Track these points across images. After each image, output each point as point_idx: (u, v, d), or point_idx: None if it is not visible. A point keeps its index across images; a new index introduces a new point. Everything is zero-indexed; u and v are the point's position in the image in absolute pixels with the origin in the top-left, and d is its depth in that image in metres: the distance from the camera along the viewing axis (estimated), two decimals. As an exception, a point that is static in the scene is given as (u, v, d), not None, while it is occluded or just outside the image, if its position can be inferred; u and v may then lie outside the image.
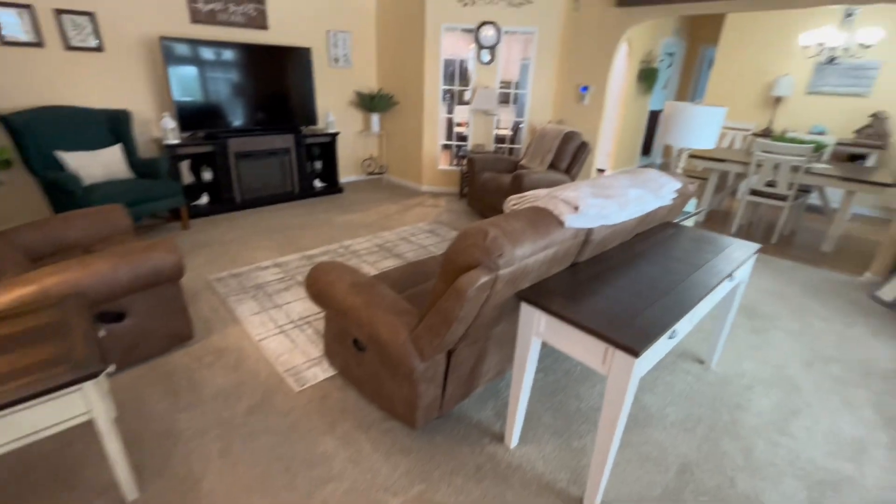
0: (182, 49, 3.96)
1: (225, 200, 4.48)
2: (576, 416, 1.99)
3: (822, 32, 4.46)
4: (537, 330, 1.56)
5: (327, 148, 5.25)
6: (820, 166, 4.21)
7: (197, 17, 4.17)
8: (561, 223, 1.60)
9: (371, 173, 6.12)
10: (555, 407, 2.04)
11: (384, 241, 3.89)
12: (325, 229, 4.14)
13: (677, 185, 2.17)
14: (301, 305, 2.76)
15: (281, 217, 4.44)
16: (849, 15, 4.51)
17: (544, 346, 2.43)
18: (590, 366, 1.40)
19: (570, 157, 4.39)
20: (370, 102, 5.57)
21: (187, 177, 4.23)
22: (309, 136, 4.95)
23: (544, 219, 1.58)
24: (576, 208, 1.60)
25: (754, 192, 4.37)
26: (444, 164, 5.62)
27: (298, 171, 4.95)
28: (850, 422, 2.05)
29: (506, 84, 5.26)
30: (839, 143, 5.20)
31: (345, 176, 5.93)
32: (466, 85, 5.20)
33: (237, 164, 4.49)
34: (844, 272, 3.74)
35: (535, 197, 1.71)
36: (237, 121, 4.51)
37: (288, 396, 2.01)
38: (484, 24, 4.78)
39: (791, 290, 3.34)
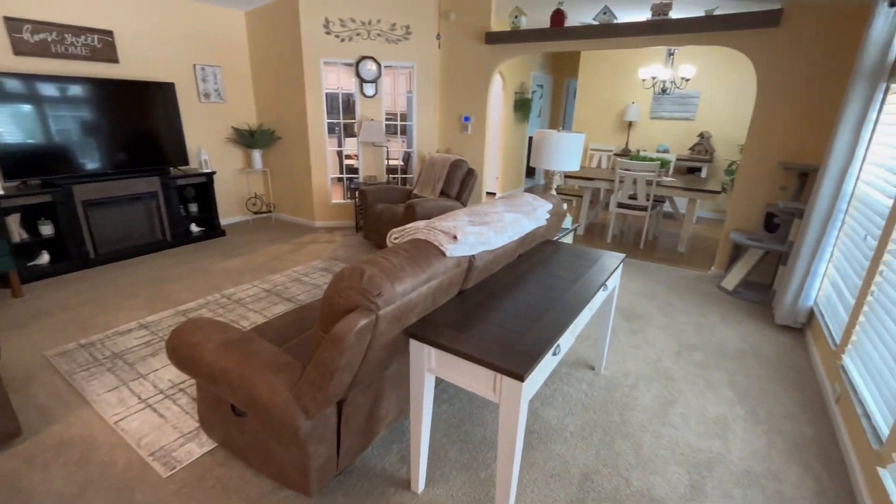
0: (3, 84, 3.36)
1: (74, 257, 3.82)
2: (482, 445, 1.96)
3: (654, 68, 5.29)
4: (429, 365, 1.51)
5: (203, 189, 4.80)
6: (667, 179, 4.89)
7: (21, 49, 3.59)
8: (442, 253, 1.60)
9: (258, 212, 5.72)
10: (461, 438, 2.00)
11: (273, 284, 3.61)
12: (204, 278, 3.73)
13: (549, 206, 2.33)
14: (172, 371, 2.40)
15: (150, 269, 3.91)
16: (671, 54, 5.44)
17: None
18: (483, 395, 1.39)
19: (458, 183, 4.55)
20: (250, 138, 5.26)
21: (18, 233, 3.53)
22: (180, 178, 4.48)
23: (425, 251, 1.56)
24: (454, 237, 1.61)
25: (621, 205, 4.93)
26: (337, 197, 5.48)
27: (169, 217, 4.43)
28: (713, 401, 2.32)
29: (392, 116, 5.34)
30: (679, 159, 6.13)
31: (227, 217, 5.46)
32: (353, 117, 5.17)
33: (88, 213, 3.87)
34: (696, 269, 4.34)
35: (415, 229, 1.69)
36: (91, 164, 3.92)
37: (154, 487, 1.69)
38: (363, 58, 4.83)
39: (658, 289, 3.78)
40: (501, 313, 1.62)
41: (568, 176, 5.32)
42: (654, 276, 4.07)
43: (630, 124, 6.73)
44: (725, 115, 6.04)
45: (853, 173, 2.71)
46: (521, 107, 7.20)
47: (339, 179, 5.52)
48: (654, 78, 5.36)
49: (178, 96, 4.61)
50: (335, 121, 5.27)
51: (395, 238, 1.76)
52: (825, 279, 2.96)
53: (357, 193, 4.90)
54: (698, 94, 6.12)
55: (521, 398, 1.30)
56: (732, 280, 3.76)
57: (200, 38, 4.79)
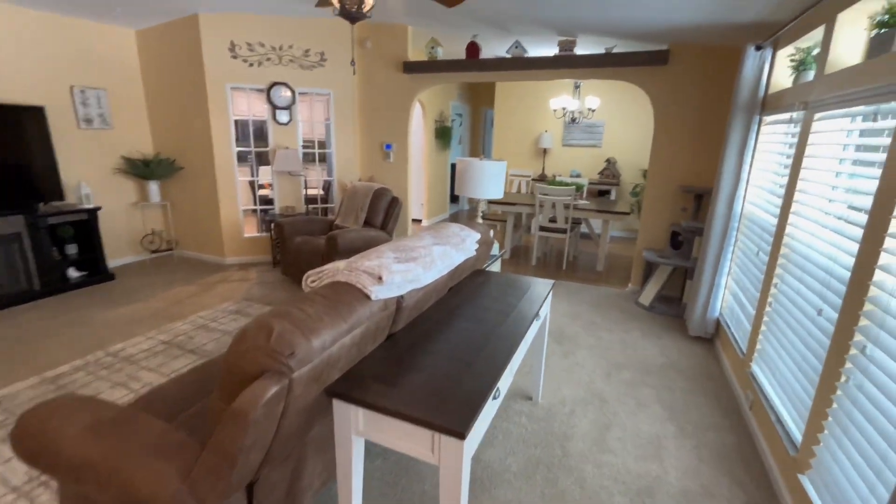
0: None
1: None
2: (423, 503, 1.78)
3: (563, 99, 5.66)
4: (357, 428, 1.33)
5: (84, 227, 4.15)
6: (582, 203, 5.17)
7: None
8: (367, 297, 1.44)
9: (156, 251, 5.08)
10: (398, 497, 1.80)
11: (175, 334, 3.15)
12: (83, 333, 3.15)
13: (477, 235, 2.27)
14: (32, 458, 1.92)
15: (12, 325, 3.23)
16: (577, 86, 5.88)
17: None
18: (421, 458, 1.23)
19: (383, 212, 4.40)
20: (145, 169, 4.69)
21: None
22: (52, 215, 3.83)
23: (346, 295, 1.40)
24: (379, 278, 1.46)
25: (542, 229, 5.09)
26: (250, 231, 5.05)
27: (38, 261, 3.75)
28: (645, 420, 2.36)
29: (310, 143, 5.10)
30: (591, 183, 6.55)
31: (118, 258, 4.77)
32: (267, 145, 4.84)
33: (-79, 263, 3.13)
34: (615, 286, 4.57)
35: (335, 270, 1.52)
36: (-82, 203, 3.19)
37: None
38: (275, 84, 4.57)
39: (582, 309, 3.89)
40: (435, 357, 1.48)
41: (491, 202, 5.42)
42: (578, 296, 4.20)
43: (545, 151, 7.10)
44: (628, 143, 6.61)
45: (740, 195, 3.02)
46: (442, 134, 7.30)
47: (253, 211, 5.11)
48: (564, 109, 5.71)
49: (51, 122, 3.99)
50: (246, 149, 4.90)
51: (313, 281, 1.56)
52: (726, 292, 3.23)
53: (273, 226, 4.54)
54: (603, 123, 6.64)
55: (462, 458, 1.16)
56: (648, 296, 3.99)
57: (80, 57, 4.23)
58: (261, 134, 4.95)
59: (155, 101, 4.80)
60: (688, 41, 3.61)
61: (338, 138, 5.00)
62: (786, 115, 2.48)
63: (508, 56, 4.29)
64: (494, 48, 4.71)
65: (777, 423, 2.01)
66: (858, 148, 1.76)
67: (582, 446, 2.14)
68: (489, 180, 2.94)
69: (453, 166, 8.31)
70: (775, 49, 2.80)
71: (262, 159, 5.15)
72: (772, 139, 2.77)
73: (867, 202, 1.55)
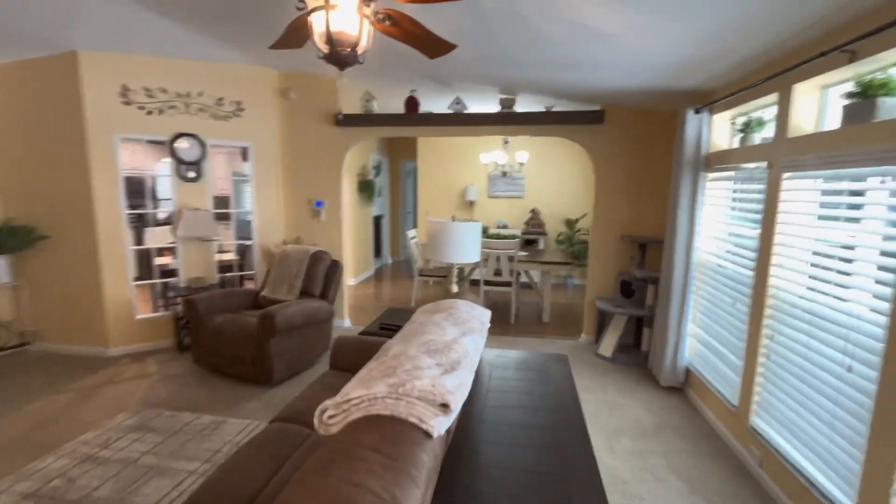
0: None
1: None
2: None
3: (495, 154, 5.77)
4: None
5: None
6: (522, 254, 5.15)
7: None
8: (427, 434, 1.02)
9: (3, 348, 3.80)
10: None
11: (44, 479, 2.21)
12: None
13: (488, 313, 1.95)
14: None
15: None
16: (506, 142, 6.08)
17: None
18: None
19: (322, 279, 3.85)
20: (-12, 240, 3.55)
21: None
22: None
23: (403, 440, 0.96)
24: (444, 406, 1.05)
25: (487, 283, 4.93)
26: (144, 311, 4.06)
27: None
28: (673, 499, 2.15)
29: (224, 202, 4.38)
30: (523, 234, 6.67)
31: (-62, 364, 3.44)
32: (166, 207, 4.02)
33: None
34: (567, 337, 4.51)
35: (370, 400, 1.07)
36: None
37: None
38: (181, 136, 3.87)
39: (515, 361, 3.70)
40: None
41: (429, 258, 5.14)
42: (538, 350, 4.02)
43: (472, 203, 7.13)
44: (549, 193, 6.93)
45: (696, 245, 3.15)
46: (365, 188, 6.96)
47: (146, 286, 4.15)
48: (496, 163, 5.81)
49: None
50: (140, 211, 4.03)
51: (330, 417, 1.09)
52: (692, 340, 3.29)
53: (183, 303, 3.68)
54: (524, 176, 6.91)
55: None
56: (608, 347, 3.96)
57: None
58: (158, 193, 4.12)
59: (7, 155, 3.75)
60: (622, 104, 3.86)
61: (259, 196, 4.38)
62: (743, 173, 2.65)
63: (450, 111, 4.21)
64: (432, 102, 4.62)
65: (810, 485, 1.93)
66: (851, 206, 1.85)
67: (629, 552, 1.83)
68: (466, 242, 2.67)
69: (376, 220, 7.96)
70: (711, 113, 3.06)
71: (160, 222, 4.29)
72: (722, 194, 2.96)
73: (871, 256, 1.59)
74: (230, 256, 4.59)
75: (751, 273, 2.49)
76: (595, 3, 1.95)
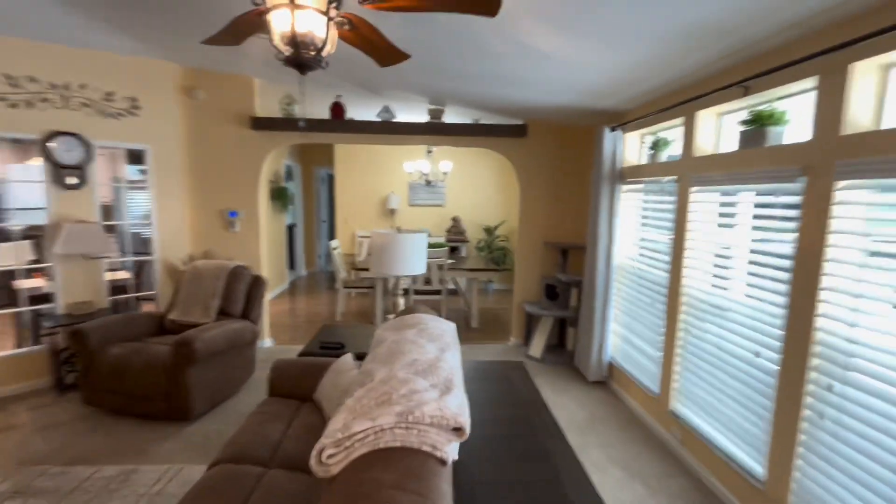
0: None
1: None
2: None
3: (420, 163, 5.78)
4: None
5: None
6: (449, 261, 5.23)
7: None
8: (442, 462, 0.98)
9: None
10: None
11: None
12: None
13: (452, 324, 1.93)
14: None
15: None
16: (429, 151, 6.12)
17: None
18: None
19: (244, 298, 3.50)
20: None
21: None
22: None
23: (423, 471, 0.91)
24: (457, 430, 1.02)
25: (418, 292, 4.91)
26: (6, 346, 3.32)
27: None
28: (616, 487, 2.32)
29: (111, 211, 3.77)
30: (446, 241, 6.76)
31: None
32: (28, 218, 3.34)
33: None
34: (497, 341, 4.67)
35: (376, 433, 0.99)
36: None
37: None
38: (58, 135, 3.26)
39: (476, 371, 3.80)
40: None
41: (357, 268, 4.98)
42: (472, 357, 4.10)
43: (393, 211, 7.06)
44: (469, 202, 7.14)
45: (615, 251, 3.48)
46: (279, 196, 6.51)
47: (13, 315, 3.40)
48: (420, 172, 5.82)
49: None
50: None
51: (330, 457, 0.99)
52: (614, 336, 3.61)
53: (68, 335, 3.06)
54: (444, 184, 7.03)
55: None
56: (538, 348, 4.18)
57: None
58: (8, 202, 3.42)
59: None
60: (544, 119, 4.13)
61: (160, 205, 3.85)
62: (655, 186, 2.99)
63: (378, 120, 4.13)
64: (358, 109, 4.49)
65: (726, 457, 2.22)
66: (758, 216, 2.20)
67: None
68: (411, 253, 2.63)
69: (289, 230, 7.48)
70: (624, 131, 3.41)
71: (31, 237, 3.57)
72: (637, 204, 3.30)
73: (782, 262, 1.91)
74: (123, 276, 3.96)
75: (666, 274, 2.82)
76: (540, 23, 2.07)
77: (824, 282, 1.73)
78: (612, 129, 3.37)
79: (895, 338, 1.50)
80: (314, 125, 4.06)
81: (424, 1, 1.35)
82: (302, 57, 1.38)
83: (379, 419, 1.00)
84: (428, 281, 4.89)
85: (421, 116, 4.42)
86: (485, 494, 1.18)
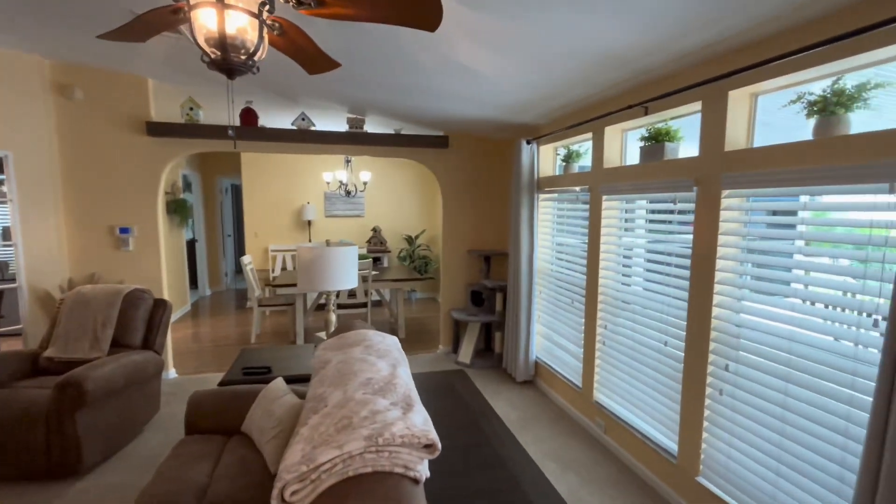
0: None
1: None
2: None
3: (338, 173, 5.59)
4: None
5: None
6: (372, 272, 5.13)
7: None
8: (416, 481, 0.96)
9: None
10: None
11: None
12: None
13: (395, 339, 1.90)
14: None
15: None
16: (348, 161, 5.95)
17: None
18: None
19: (143, 325, 3.08)
20: None
21: None
22: None
23: (404, 500, 0.88)
24: (428, 447, 1.00)
25: (341, 306, 4.73)
26: None
27: None
28: (552, 479, 2.45)
29: (-42, 234, 3.10)
30: (368, 252, 6.62)
31: None
32: None
33: None
34: (425, 350, 4.67)
35: (345, 461, 0.94)
36: None
37: None
38: None
39: (419, 381, 3.78)
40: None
41: (274, 284, 4.67)
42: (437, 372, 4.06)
43: (310, 223, 6.74)
44: (389, 212, 7.08)
45: (536, 256, 3.69)
46: (178, 209, 5.88)
47: None
48: (340, 182, 5.64)
49: None
50: None
51: (294, 494, 0.92)
52: (539, 337, 3.82)
53: None
54: (362, 194, 6.90)
55: None
56: (467, 354, 4.26)
57: None
58: None
59: None
60: (465, 131, 4.26)
61: (25, 223, 3.25)
62: (571, 195, 3.24)
63: (294, 128, 3.93)
64: (271, 117, 4.23)
65: (644, 438, 2.47)
66: (653, 221, 2.48)
67: (536, 539, 2.01)
68: (343, 268, 2.54)
69: (190, 245, 6.78)
70: (539, 144, 3.65)
71: None
72: (554, 211, 3.55)
73: (679, 260, 2.19)
74: (-25, 308, 3.26)
75: (583, 276, 3.06)
76: (469, 41, 2.14)
77: (717, 276, 2.01)
78: (529, 143, 3.60)
79: (768, 320, 1.79)
80: (221, 132, 3.74)
81: (365, 10, 1.33)
82: (231, 61, 1.27)
83: (346, 446, 0.95)
84: (352, 294, 4.74)
85: (339, 125, 4.31)
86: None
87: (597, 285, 2.91)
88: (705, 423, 2.10)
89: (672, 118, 2.39)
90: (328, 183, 5.73)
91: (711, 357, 2.06)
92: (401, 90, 3.08)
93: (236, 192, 8.85)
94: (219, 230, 7.81)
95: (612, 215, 2.80)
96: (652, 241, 2.51)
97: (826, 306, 1.69)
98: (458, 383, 1.93)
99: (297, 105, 3.89)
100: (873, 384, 1.37)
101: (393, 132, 4.23)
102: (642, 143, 2.48)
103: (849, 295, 1.61)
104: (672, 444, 2.31)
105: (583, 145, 3.31)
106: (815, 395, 1.62)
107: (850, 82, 1.55)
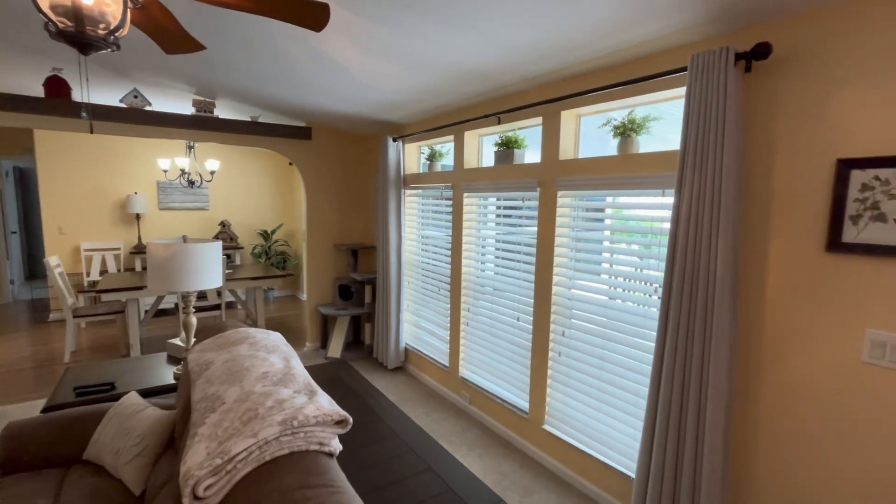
0: None
1: None
2: None
3: (178, 160, 4.87)
4: None
5: None
6: (226, 271, 4.71)
7: None
8: (331, 455, 1.05)
9: None
10: None
11: None
12: None
13: (279, 334, 1.87)
14: None
15: None
16: (190, 146, 5.20)
17: None
18: None
19: None
20: None
21: None
22: None
23: (324, 470, 0.97)
24: (340, 422, 1.09)
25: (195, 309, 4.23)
26: None
27: None
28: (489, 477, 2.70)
29: None
30: (212, 249, 5.96)
31: None
32: None
33: None
34: (295, 347, 4.51)
35: (261, 448, 0.97)
36: None
37: None
38: None
39: (291, 382, 3.67)
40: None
41: (96, 290, 3.93)
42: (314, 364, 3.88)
43: (138, 216, 5.76)
44: (240, 205, 6.48)
45: (404, 248, 3.90)
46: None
47: None
48: (182, 171, 4.93)
49: None
50: None
51: (208, 489, 0.93)
52: (408, 324, 4.04)
53: None
54: (208, 185, 6.19)
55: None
56: (336, 348, 4.26)
57: None
58: None
59: None
60: (329, 124, 4.19)
61: None
62: (435, 192, 3.51)
63: (124, 106, 3.37)
64: (95, 90, 3.52)
65: (503, 402, 2.89)
66: (503, 215, 2.89)
67: None
68: (207, 265, 2.34)
69: (-46, 246, 5.17)
70: (404, 143, 3.84)
71: None
72: (420, 206, 3.79)
73: (529, 248, 2.63)
74: None
75: (448, 265, 3.38)
76: (342, 38, 2.19)
77: (556, 261, 2.48)
78: (395, 140, 3.76)
79: (590, 293, 2.31)
80: (20, 104, 2.99)
81: (253, 3, 1.30)
82: (87, 35, 1.11)
83: (261, 433, 0.98)
84: (202, 295, 4.28)
85: (183, 106, 3.83)
86: (358, 479, 1.28)
87: (460, 273, 3.24)
88: (549, 381, 2.58)
89: (520, 129, 2.82)
90: (165, 171, 4.98)
91: (552, 327, 2.53)
92: (263, 77, 2.92)
93: (23, 176, 7.03)
94: (1, 225, 6.10)
95: (473, 210, 3.15)
96: (505, 233, 2.93)
97: (625, 280, 2.26)
98: (343, 372, 1.99)
99: (128, 80, 3.34)
100: (655, 333, 1.92)
101: (249, 119, 3.95)
102: (496, 149, 2.87)
103: (639, 271, 2.19)
104: (524, 403, 2.77)
105: (445, 146, 3.61)
106: (622, 346, 2.17)
107: (639, 114, 2.10)
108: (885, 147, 1.36)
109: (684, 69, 1.73)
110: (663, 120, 2.11)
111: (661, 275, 1.99)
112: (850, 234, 1.44)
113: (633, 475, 2.11)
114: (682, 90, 1.86)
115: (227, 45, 2.40)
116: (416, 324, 3.94)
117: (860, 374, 1.45)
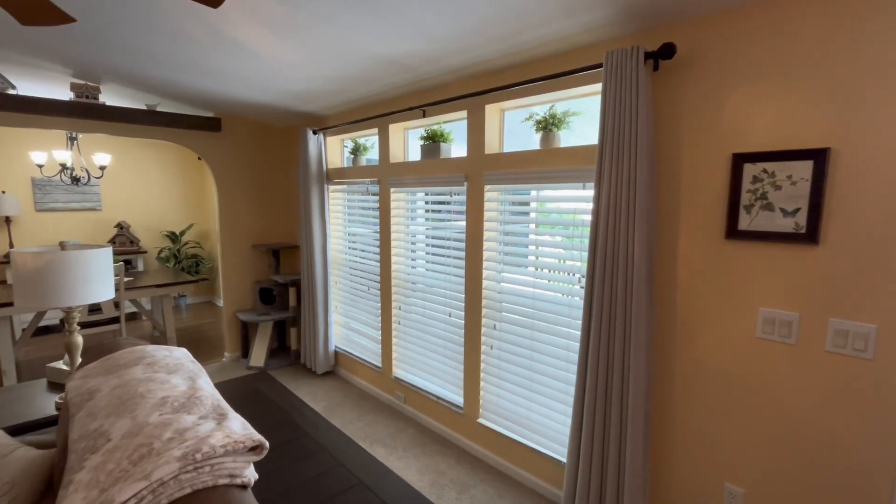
0: None
1: None
2: None
3: (57, 154, 4.18)
4: None
5: None
6: (125, 279, 4.18)
7: None
8: (244, 487, 0.93)
9: None
10: None
11: None
12: None
13: (185, 350, 1.66)
14: None
15: None
16: (73, 138, 4.47)
17: None
18: None
19: None
20: None
21: None
22: None
23: (233, 504, 0.85)
24: (255, 449, 0.97)
25: (84, 325, 3.70)
26: None
27: None
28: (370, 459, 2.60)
29: None
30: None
31: None
32: None
33: None
34: (209, 361, 4.13)
35: (154, 491, 0.83)
36: None
37: None
38: None
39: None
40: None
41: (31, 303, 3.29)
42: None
43: (8, 219, 4.92)
44: (140, 204, 5.79)
45: (329, 247, 3.71)
46: None
47: None
48: (62, 166, 4.24)
49: None
50: None
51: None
52: (337, 326, 3.86)
53: None
54: (98, 182, 5.45)
55: None
56: (259, 357, 3.97)
57: None
58: None
59: None
60: (241, 114, 3.85)
61: None
62: (361, 187, 3.37)
63: (-23, 88, 2.81)
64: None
65: (438, 399, 2.86)
66: (432, 210, 2.84)
67: None
68: (95, 275, 2.02)
69: None
70: (326, 135, 3.64)
71: None
72: (345, 202, 3.62)
73: (459, 245, 2.62)
74: None
75: (377, 263, 3.27)
76: (248, 19, 1.99)
77: (485, 255, 2.49)
78: (316, 132, 3.55)
79: (518, 285, 2.35)
80: None
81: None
82: None
83: (155, 473, 0.84)
84: (95, 308, 3.76)
85: (60, 91, 3.31)
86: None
87: (390, 271, 3.15)
88: (482, 375, 2.59)
89: (445, 122, 2.78)
90: (40, 166, 4.28)
91: (484, 321, 2.54)
92: (158, 60, 2.59)
93: None
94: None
95: (400, 206, 3.07)
96: (433, 228, 2.88)
97: (550, 271, 2.32)
98: (262, 385, 1.82)
99: (-19, 57, 2.79)
100: (580, 322, 1.98)
101: (146, 108, 3.50)
102: (422, 142, 2.80)
103: (563, 262, 2.26)
104: (459, 398, 2.76)
105: (369, 139, 3.48)
106: (551, 336, 2.22)
107: (560, 109, 2.15)
108: (772, 142, 1.50)
109: (600, 66, 1.79)
110: (582, 115, 2.18)
111: (584, 265, 2.06)
112: (744, 222, 1.58)
113: (564, 460, 2.19)
114: (600, 86, 1.92)
115: (110, 20, 2.08)
116: (345, 325, 3.79)
117: (755, 348, 1.60)
